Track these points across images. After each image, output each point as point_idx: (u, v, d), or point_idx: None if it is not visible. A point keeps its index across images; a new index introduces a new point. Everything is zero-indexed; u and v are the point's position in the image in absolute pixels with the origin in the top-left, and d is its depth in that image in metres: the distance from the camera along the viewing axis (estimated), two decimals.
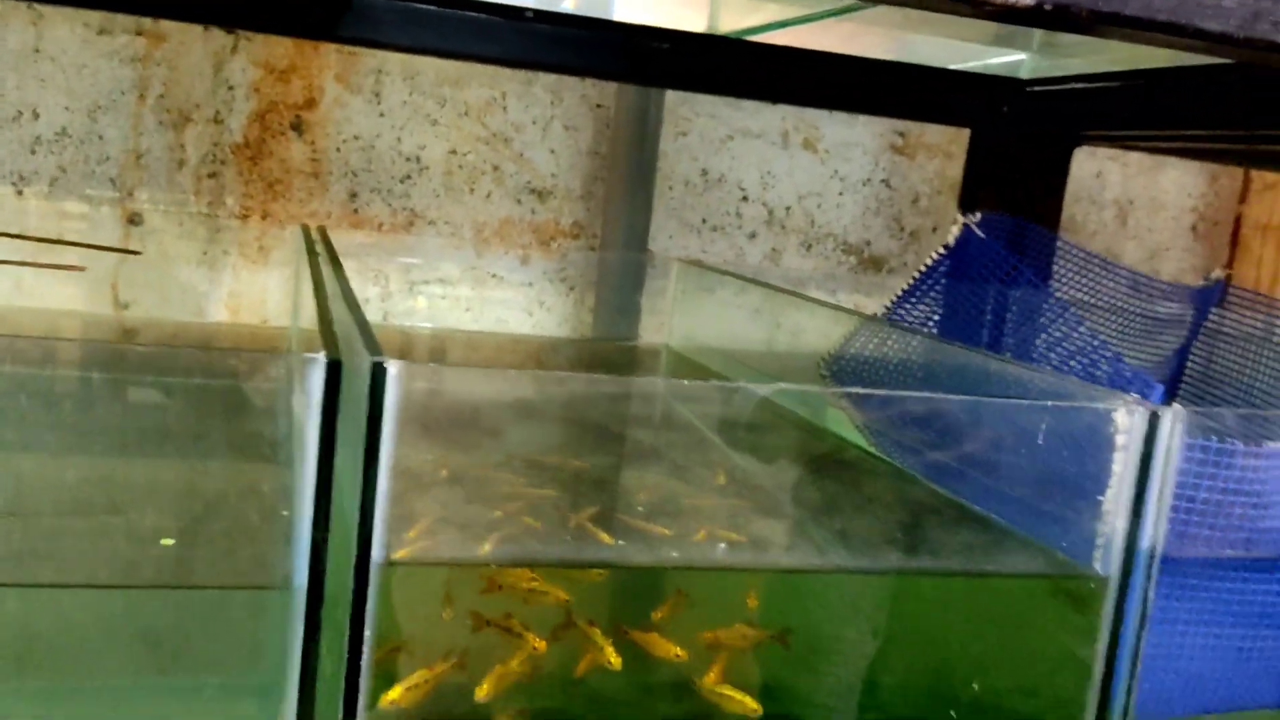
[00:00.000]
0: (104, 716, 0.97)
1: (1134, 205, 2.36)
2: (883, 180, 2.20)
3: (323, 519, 0.70)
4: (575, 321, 2.05)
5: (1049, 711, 0.98)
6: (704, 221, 2.11)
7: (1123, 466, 0.87)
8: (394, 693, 0.92)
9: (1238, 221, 2.34)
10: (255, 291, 1.89)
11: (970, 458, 1.05)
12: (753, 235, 2.14)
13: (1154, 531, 0.89)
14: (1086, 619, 0.89)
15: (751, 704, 1.01)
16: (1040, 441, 0.94)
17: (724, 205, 2.13)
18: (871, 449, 1.24)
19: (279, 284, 1.91)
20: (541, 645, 0.97)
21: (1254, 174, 2.34)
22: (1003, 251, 1.25)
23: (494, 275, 2.03)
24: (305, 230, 1.62)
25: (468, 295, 2.03)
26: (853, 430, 1.24)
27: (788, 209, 2.15)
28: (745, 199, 2.13)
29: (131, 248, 1.86)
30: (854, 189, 2.19)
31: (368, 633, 0.72)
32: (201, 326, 1.83)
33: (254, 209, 1.90)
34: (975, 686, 1.00)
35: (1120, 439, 0.87)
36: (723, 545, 1.02)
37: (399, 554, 0.77)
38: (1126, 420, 0.87)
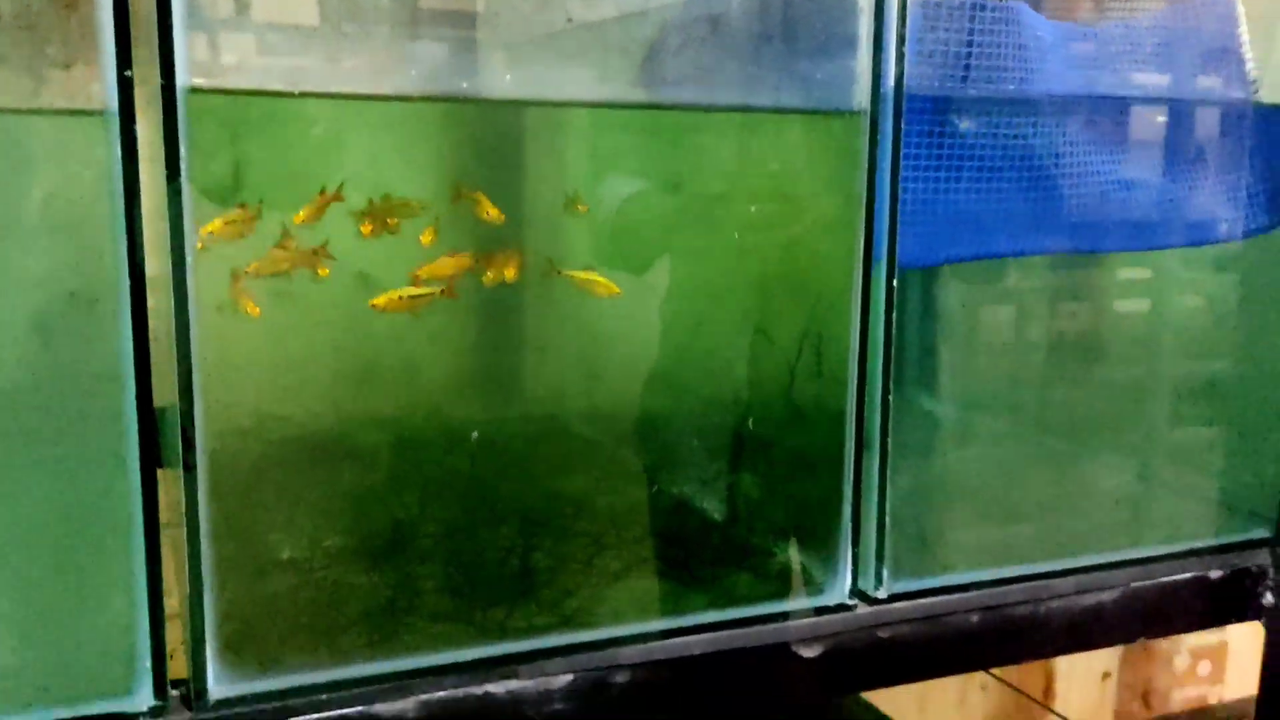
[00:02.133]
0: None
1: None
2: None
3: (122, 38, 0.75)
4: None
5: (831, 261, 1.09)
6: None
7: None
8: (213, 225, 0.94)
9: None
10: None
11: (737, 62, 1.15)
12: None
13: (895, 69, 1.01)
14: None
15: (613, 287, 1.11)
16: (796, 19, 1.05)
17: (552, 29, 2.19)
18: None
19: None
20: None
21: None
22: None
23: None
24: None
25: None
26: None
27: None
28: (570, 20, 2.20)
29: None
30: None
31: (183, 155, 0.77)
32: None
33: (76, 58, 1.89)
34: (753, 209, 1.11)
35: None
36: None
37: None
38: None
